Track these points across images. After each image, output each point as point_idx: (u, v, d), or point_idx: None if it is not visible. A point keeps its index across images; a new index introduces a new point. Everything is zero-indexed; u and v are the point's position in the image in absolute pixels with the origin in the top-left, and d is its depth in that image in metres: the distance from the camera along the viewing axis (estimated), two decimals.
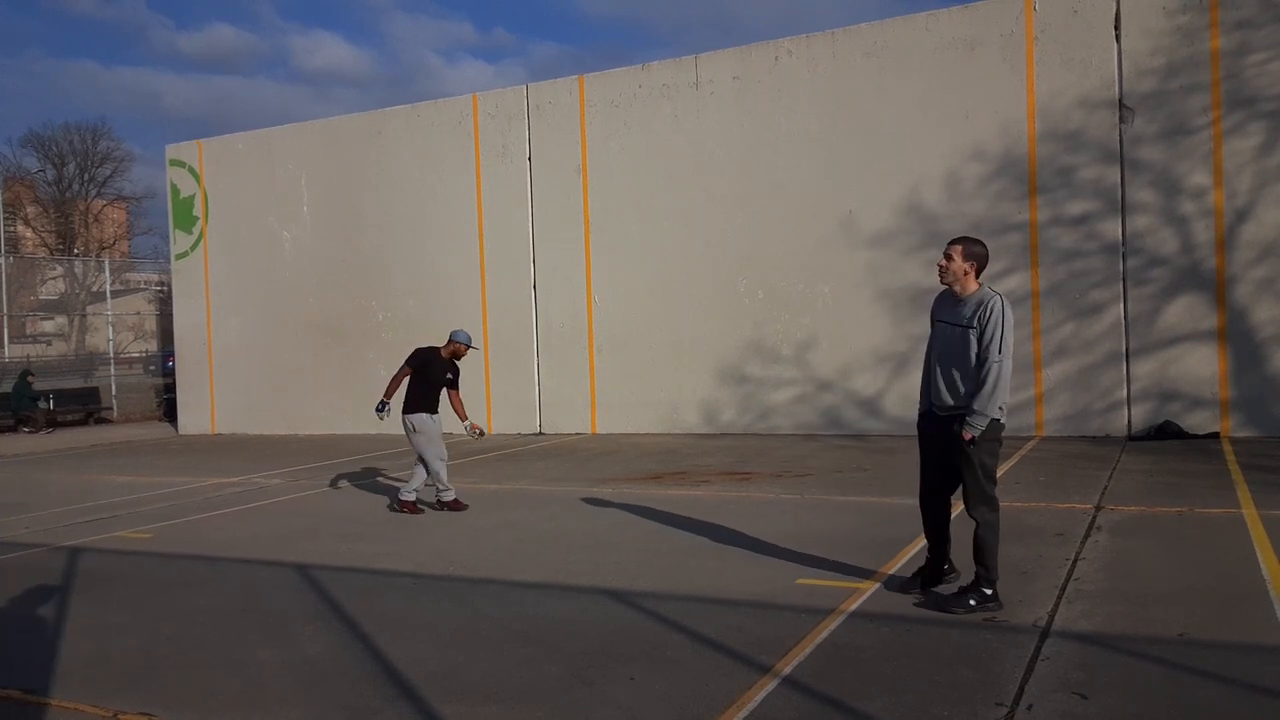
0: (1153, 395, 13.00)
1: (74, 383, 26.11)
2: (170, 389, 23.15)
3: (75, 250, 48.36)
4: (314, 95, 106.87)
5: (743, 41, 15.75)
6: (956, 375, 5.40)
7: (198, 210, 20.38)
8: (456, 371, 9.60)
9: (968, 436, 5.27)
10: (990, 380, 5.21)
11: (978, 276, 5.43)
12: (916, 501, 8.30)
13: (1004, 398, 5.27)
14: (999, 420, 5.32)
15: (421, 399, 9.30)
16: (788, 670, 4.53)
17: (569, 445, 14.97)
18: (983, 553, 5.37)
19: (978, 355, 5.29)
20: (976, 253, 5.43)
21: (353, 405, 18.29)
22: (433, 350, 9.49)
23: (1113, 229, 13.18)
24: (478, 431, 9.73)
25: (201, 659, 5.13)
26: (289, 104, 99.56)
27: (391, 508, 9.50)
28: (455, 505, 9.36)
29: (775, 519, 8.28)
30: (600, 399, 16.46)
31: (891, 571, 6.28)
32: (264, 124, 20.01)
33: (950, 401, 5.43)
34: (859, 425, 14.60)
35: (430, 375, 9.35)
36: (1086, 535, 7.10)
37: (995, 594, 5.38)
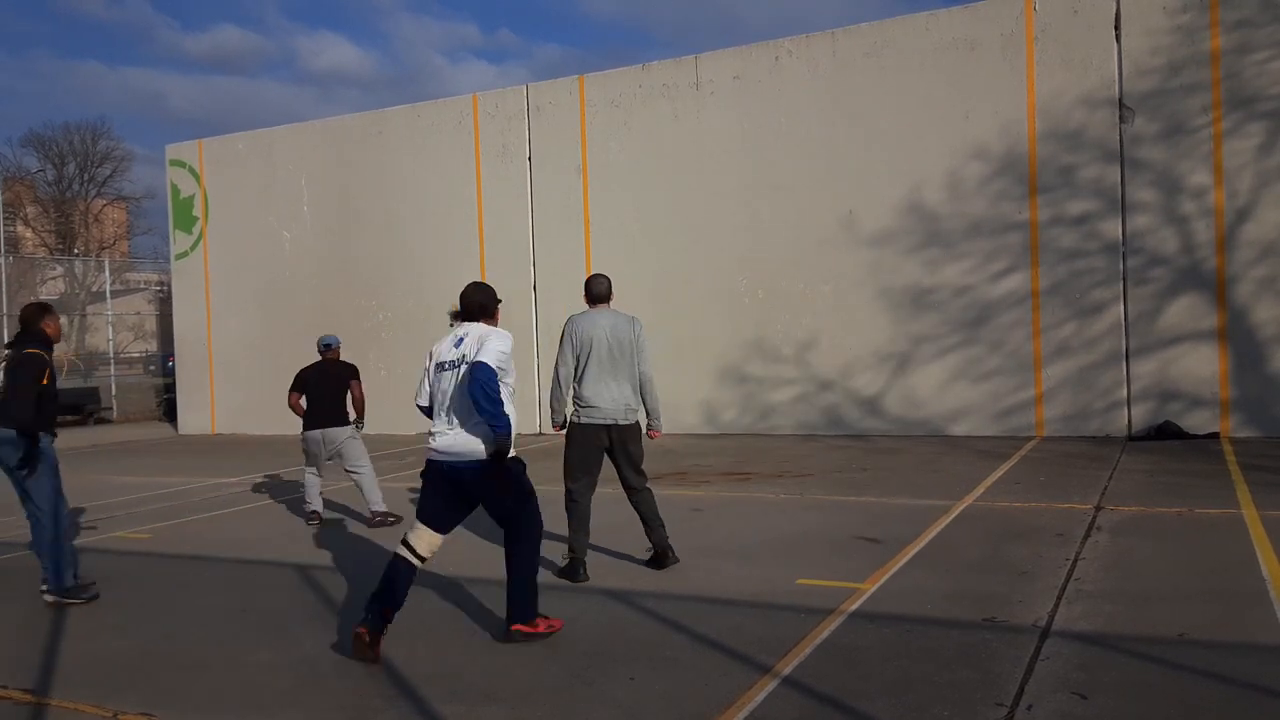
0: (1153, 395, 13.00)
1: (73, 383, 26.11)
2: (170, 389, 23.14)
3: (75, 250, 48.37)
4: (319, 96, 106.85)
5: (744, 42, 15.77)
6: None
7: (198, 210, 20.38)
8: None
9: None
10: None
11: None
12: (917, 502, 8.28)
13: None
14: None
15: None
16: (788, 670, 4.53)
17: None
18: None
19: None
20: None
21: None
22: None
23: (1113, 229, 13.18)
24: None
25: (201, 659, 5.12)
26: (294, 105, 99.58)
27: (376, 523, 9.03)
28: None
29: (775, 519, 8.28)
30: None
31: (892, 573, 6.28)
32: (268, 125, 20.03)
33: None
34: (859, 425, 14.60)
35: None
36: (1086, 535, 7.10)
37: (569, 567, 6.51)
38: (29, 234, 50.57)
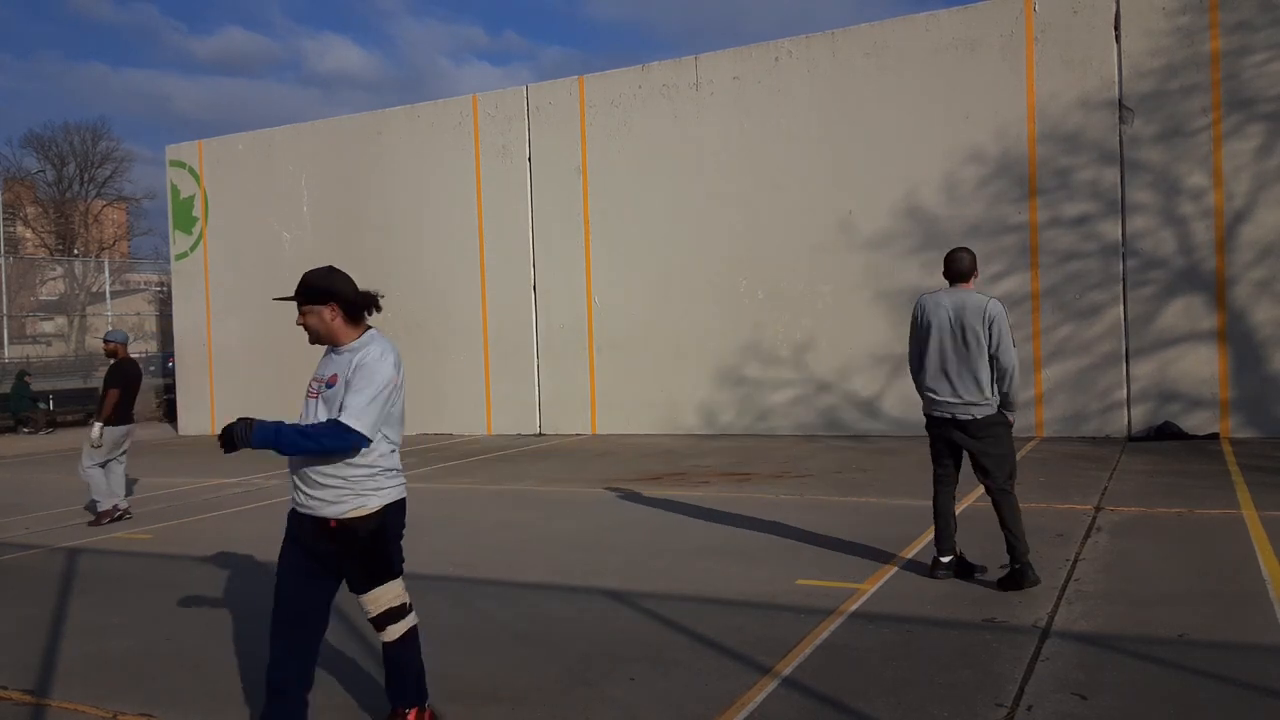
0: (1152, 396, 13.01)
1: (73, 383, 26.10)
2: (170, 389, 23.15)
3: (75, 251, 48.37)
4: (323, 98, 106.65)
5: (747, 43, 15.77)
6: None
7: (197, 211, 20.38)
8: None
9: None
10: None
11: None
12: (917, 503, 8.27)
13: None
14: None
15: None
16: (787, 671, 4.54)
17: (569, 446, 14.97)
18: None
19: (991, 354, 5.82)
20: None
21: None
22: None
23: (1112, 230, 13.19)
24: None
25: (201, 659, 5.12)
26: (298, 107, 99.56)
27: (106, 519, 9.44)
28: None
29: (775, 520, 8.28)
30: (600, 400, 16.47)
31: (891, 573, 6.28)
32: (273, 126, 20.02)
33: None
34: (858, 426, 14.60)
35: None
36: (1086, 536, 7.10)
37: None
38: (29, 235, 50.60)
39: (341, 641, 5.34)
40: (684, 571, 6.56)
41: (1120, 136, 13.12)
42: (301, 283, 3.81)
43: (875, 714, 4.02)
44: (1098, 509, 8.11)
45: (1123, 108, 13.07)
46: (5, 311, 23.50)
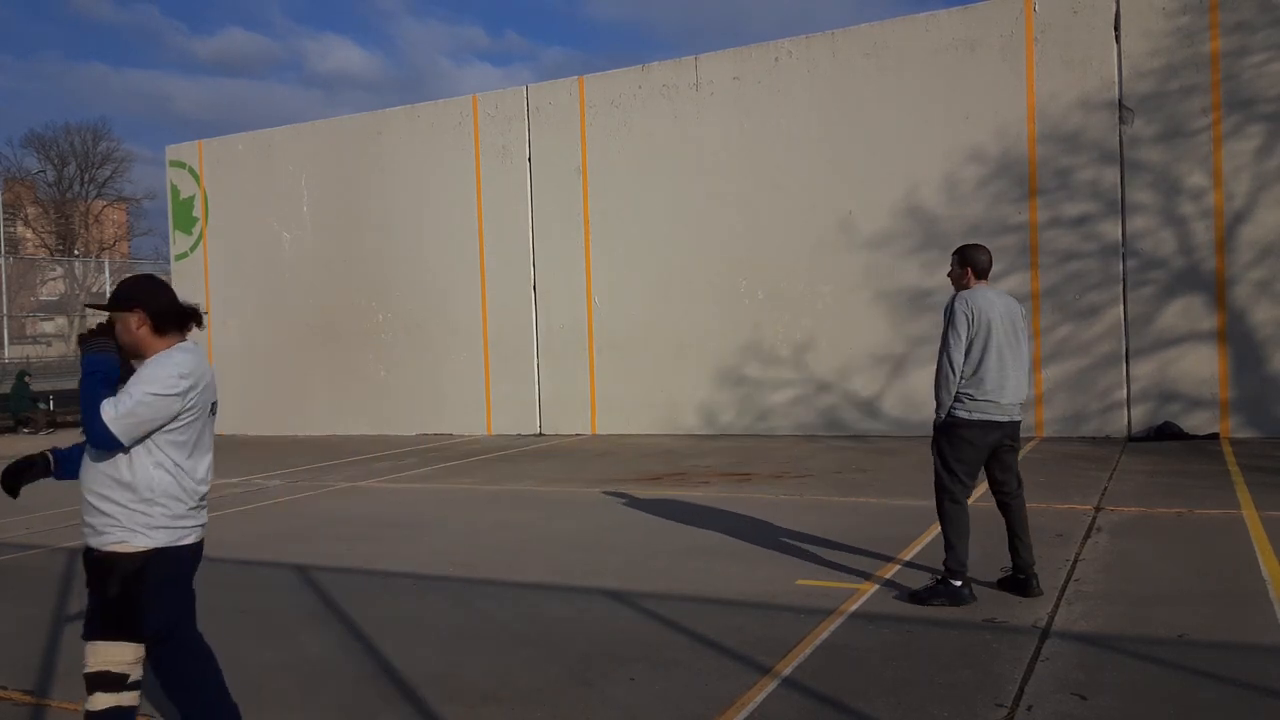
0: (1152, 396, 13.01)
1: (74, 384, 26.09)
2: None
3: (75, 251, 48.38)
4: (324, 99, 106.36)
5: (747, 44, 15.77)
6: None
7: (197, 211, 20.38)
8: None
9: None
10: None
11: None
12: (916, 503, 8.26)
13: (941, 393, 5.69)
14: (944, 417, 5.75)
15: None
16: (787, 671, 4.54)
17: (569, 446, 14.97)
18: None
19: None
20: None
21: (352, 406, 18.31)
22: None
23: (1112, 230, 13.19)
24: None
25: None
26: (300, 107, 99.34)
27: None
28: None
29: (775, 520, 8.28)
30: (600, 400, 16.47)
31: (891, 573, 6.28)
32: (273, 126, 20.02)
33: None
34: (858, 426, 14.60)
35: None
36: (1086, 536, 7.10)
37: (951, 585, 5.52)
38: (29, 235, 50.61)
39: (336, 648, 5.34)
40: (684, 571, 6.56)
41: (1120, 137, 13.12)
42: (114, 289, 3.48)
43: (875, 714, 4.02)
44: (1098, 509, 8.11)
45: (1123, 108, 13.08)
46: (5, 311, 23.49)
